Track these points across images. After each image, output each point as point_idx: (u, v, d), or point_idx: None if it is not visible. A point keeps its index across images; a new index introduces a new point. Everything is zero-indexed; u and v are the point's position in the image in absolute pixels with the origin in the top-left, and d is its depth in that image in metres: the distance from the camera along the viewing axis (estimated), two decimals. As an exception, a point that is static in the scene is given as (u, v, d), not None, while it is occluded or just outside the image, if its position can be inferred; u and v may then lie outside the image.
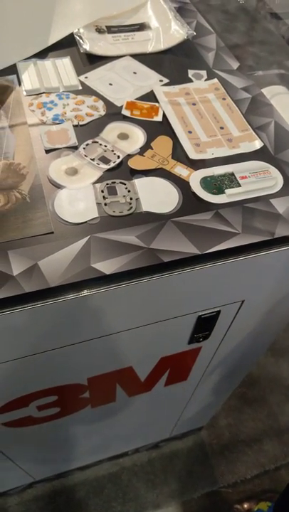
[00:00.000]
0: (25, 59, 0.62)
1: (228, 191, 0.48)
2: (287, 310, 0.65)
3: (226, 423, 1.34)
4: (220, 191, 0.48)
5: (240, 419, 1.35)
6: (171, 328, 0.55)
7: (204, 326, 0.57)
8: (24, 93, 0.58)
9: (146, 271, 0.42)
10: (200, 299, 0.51)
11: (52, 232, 0.43)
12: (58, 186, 0.48)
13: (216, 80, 0.61)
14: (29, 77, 0.59)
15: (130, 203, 0.46)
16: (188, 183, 0.49)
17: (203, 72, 0.62)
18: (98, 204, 0.46)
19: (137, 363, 0.63)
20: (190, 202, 0.47)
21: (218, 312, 0.55)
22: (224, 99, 0.59)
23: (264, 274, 0.51)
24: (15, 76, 0.59)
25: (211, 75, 0.62)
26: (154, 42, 0.66)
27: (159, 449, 1.28)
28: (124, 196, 0.47)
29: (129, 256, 0.42)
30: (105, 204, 0.46)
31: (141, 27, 0.69)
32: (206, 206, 0.47)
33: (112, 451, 1.20)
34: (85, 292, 0.41)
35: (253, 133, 0.55)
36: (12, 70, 0.60)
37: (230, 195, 0.48)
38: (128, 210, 0.46)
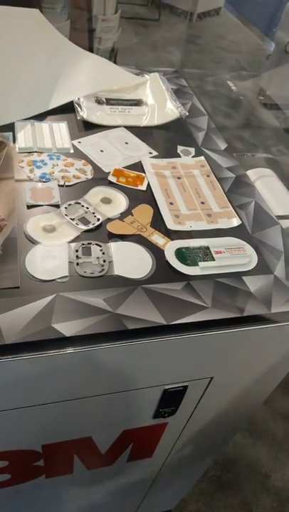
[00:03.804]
0: (24, 119, 0.65)
1: (201, 264, 0.48)
2: (260, 390, 0.63)
3: (195, 508, 1.24)
4: (194, 263, 0.49)
5: (212, 506, 1.25)
6: (135, 399, 0.53)
7: (170, 400, 0.54)
8: (17, 150, 0.60)
9: (109, 336, 0.41)
10: (165, 372, 0.50)
11: (18, 287, 0.43)
12: (33, 242, 0.48)
13: (202, 158, 0.64)
14: (24, 136, 0.62)
15: (103, 265, 0.46)
16: (163, 251, 0.49)
17: (192, 150, 0.65)
18: (70, 263, 0.46)
19: (97, 434, 0.59)
20: (163, 270, 0.47)
21: (186, 387, 0.53)
22: (208, 176, 0.61)
23: (234, 352, 0.50)
24: (11, 133, 0.62)
25: (198, 153, 0.65)
26: (149, 117, 0.70)
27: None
28: (97, 258, 0.47)
29: (93, 319, 0.41)
30: (77, 264, 0.46)
31: (138, 103, 0.73)
32: (178, 276, 0.47)
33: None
34: (41, 353, 0.39)
35: (233, 210, 0.56)
36: (9, 127, 0.63)
37: (203, 267, 0.48)
38: (99, 272, 0.46)
